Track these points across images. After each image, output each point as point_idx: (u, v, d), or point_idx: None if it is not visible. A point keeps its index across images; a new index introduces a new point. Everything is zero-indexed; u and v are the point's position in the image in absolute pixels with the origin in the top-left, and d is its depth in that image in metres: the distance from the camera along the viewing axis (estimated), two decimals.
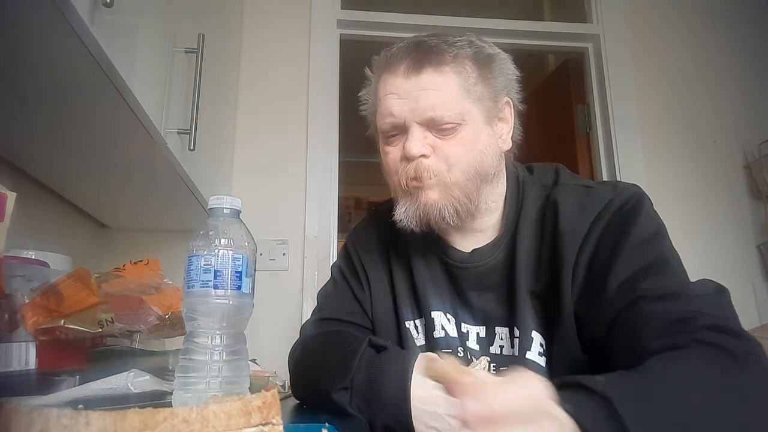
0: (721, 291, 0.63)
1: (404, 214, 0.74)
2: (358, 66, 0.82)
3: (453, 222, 0.73)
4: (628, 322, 0.62)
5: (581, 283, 0.70)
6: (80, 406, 0.55)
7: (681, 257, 0.69)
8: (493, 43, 0.79)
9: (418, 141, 0.71)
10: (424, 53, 0.71)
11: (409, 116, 0.71)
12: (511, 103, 0.79)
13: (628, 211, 0.71)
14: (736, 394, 0.50)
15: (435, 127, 0.71)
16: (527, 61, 2.72)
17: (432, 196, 0.72)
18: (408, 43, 0.74)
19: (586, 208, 0.73)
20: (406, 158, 0.72)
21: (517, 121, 0.80)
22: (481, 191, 0.74)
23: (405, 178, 0.73)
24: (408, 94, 0.71)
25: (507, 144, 0.79)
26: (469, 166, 0.72)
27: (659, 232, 0.70)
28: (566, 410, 0.44)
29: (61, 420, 0.21)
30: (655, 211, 0.72)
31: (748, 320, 1.74)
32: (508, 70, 0.78)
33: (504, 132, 0.78)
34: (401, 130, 0.73)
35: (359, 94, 0.82)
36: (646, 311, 0.61)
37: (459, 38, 0.74)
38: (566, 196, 0.75)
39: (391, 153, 0.75)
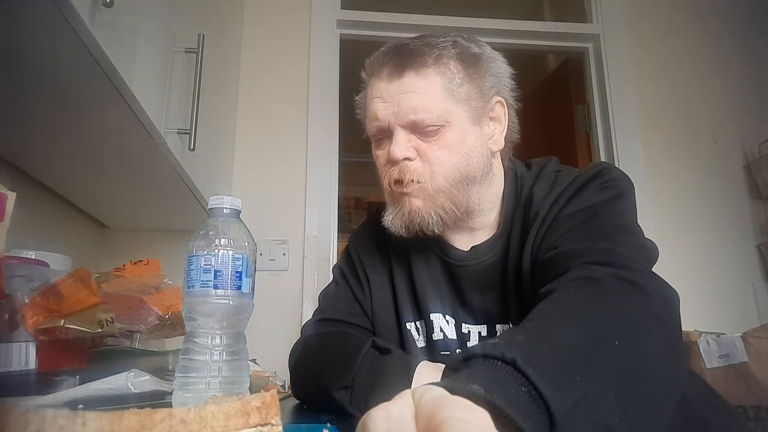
0: (640, 245, 0.64)
1: (392, 222, 0.75)
2: (358, 66, 0.82)
3: (438, 229, 0.74)
4: (536, 274, 0.68)
5: (534, 261, 0.71)
6: (80, 406, 0.56)
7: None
8: (494, 43, 0.78)
9: (401, 144, 0.71)
10: (405, 56, 0.72)
11: (392, 120, 0.72)
12: (504, 102, 0.78)
13: (581, 184, 0.71)
14: (599, 316, 0.48)
15: (418, 129, 0.71)
16: (527, 61, 2.72)
17: (416, 203, 0.72)
18: (390, 46, 0.74)
19: (552, 191, 0.73)
20: (391, 161, 0.73)
21: (513, 119, 0.80)
22: (470, 194, 0.74)
23: (388, 180, 0.74)
24: (391, 98, 0.71)
25: (499, 144, 0.78)
26: (454, 171, 0.72)
27: (602, 204, 0.68)
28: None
29: (57, 420, 0.21)
30: (615, 184, 0.71)
31: (748, 320, 1.76)
32: (497, 69, 0.77)
33: (496, 132, 0.77)
34: (387, 134, 0.74)
35: (356, 98, 0.82)
36: (545, 259, 0.64)
37: (442, 39, 0.74)
38: (539, 185, 0.76)
39: (380, 157, 0.76)
